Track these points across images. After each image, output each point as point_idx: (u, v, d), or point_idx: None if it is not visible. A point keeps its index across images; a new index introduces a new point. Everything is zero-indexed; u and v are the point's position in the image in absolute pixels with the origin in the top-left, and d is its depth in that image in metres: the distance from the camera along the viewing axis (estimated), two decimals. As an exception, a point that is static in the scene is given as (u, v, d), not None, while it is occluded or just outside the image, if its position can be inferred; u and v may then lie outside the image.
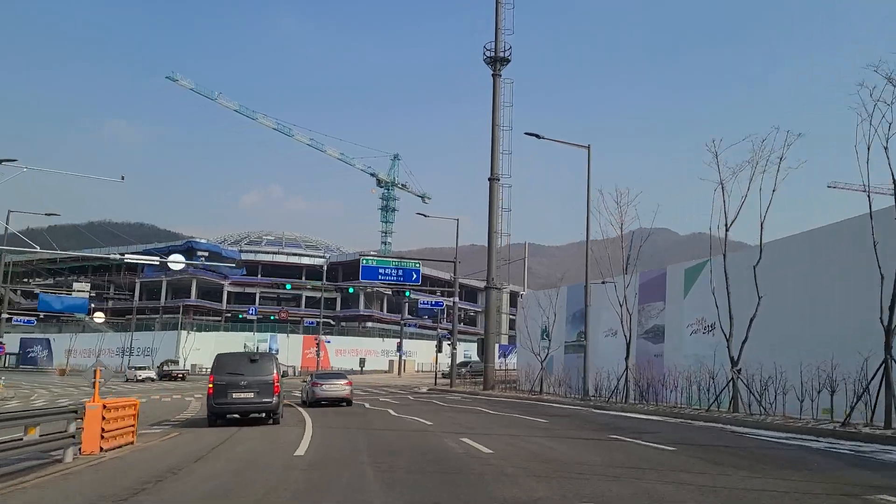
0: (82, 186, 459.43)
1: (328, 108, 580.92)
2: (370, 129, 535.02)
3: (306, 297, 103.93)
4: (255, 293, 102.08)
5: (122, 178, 26.15)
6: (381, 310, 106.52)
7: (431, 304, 54.75)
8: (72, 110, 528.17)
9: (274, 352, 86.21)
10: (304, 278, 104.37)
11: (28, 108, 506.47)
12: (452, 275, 39.89)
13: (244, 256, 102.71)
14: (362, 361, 74.52)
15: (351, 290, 35.77)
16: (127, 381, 53.07)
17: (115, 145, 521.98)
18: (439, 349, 46.48)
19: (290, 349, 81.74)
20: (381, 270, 38.76)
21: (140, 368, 55.69)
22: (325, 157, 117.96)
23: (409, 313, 77.08)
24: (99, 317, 42.40)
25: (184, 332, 73.30)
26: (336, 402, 25.50)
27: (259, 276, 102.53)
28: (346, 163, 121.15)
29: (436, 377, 47.44)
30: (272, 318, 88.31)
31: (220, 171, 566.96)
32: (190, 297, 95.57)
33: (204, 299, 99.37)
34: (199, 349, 72.24)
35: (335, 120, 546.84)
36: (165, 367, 62.79)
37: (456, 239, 39.31)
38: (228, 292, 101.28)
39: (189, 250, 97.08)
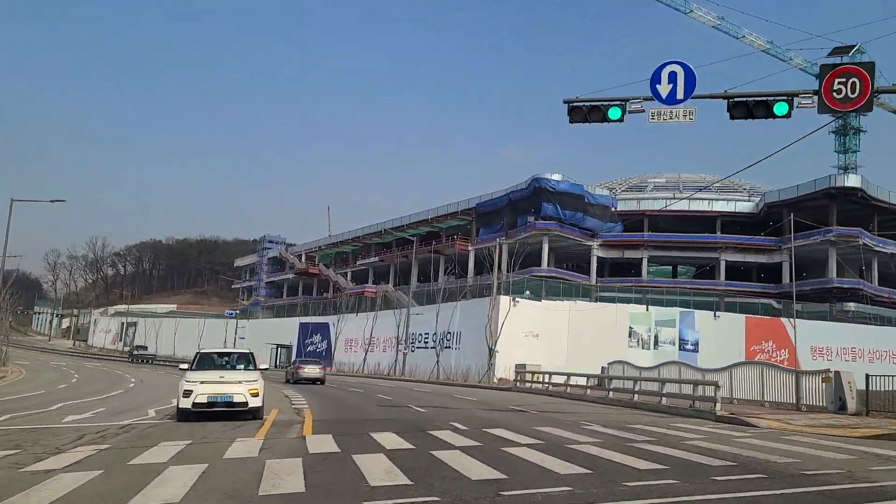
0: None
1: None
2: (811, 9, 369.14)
3: (726, 262, 62.86)
4: (639, 258, 64.58)
5: None
6: (871, 280, 59.47)
7: None
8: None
9: (689, 345, 47.40)
10: (718, 232, 63.97)
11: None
12: None
13: (622, 207, 66.56)
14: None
15: None
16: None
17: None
18: None
19: (723, 337, 42.99)
20: None
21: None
22: (743, 47, 75.10)
23: None
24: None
25: (503, 299, 38.54)
26: (312, 381, 32.73)
27: (645, 232, 64.66)
28: (778, 57, 76.21)
29: None
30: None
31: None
32: (540, 266, 61.99)
33: (575, 271, 65.73)
34: (538, 335, 37.13)
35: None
36: (136, 352, 62.82)
37: None
38: (599, 258, 65.53)
39: (536, 193, 63.85)
